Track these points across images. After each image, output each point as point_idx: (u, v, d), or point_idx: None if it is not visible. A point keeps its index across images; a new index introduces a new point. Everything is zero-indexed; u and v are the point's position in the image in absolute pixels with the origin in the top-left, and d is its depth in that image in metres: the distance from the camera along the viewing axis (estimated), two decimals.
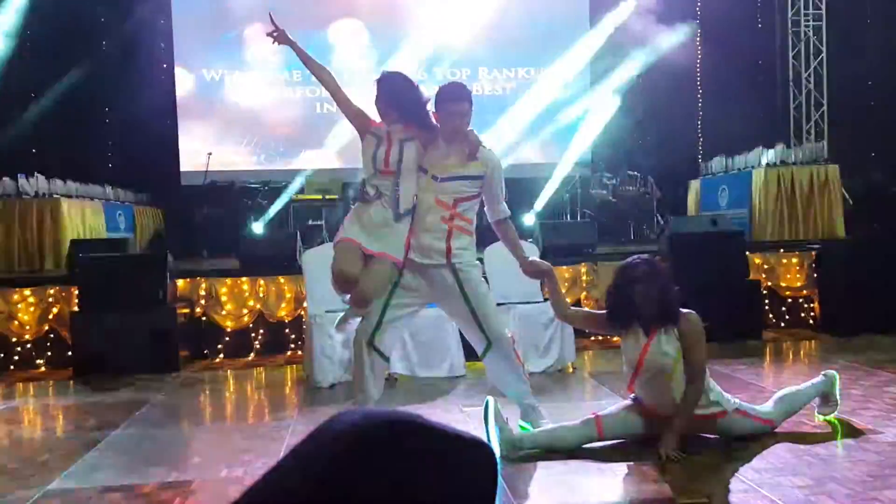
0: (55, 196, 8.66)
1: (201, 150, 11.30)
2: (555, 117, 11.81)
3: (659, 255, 6.26)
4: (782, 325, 7.54)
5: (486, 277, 4.22)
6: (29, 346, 6.82)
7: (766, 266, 7.60)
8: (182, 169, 11.74)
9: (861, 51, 11.78)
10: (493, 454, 0.99)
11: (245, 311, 7.03)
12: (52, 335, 6.86)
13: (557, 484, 3.42)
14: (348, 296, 3.94)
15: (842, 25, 11.80)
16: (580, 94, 11.96)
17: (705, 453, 3.73)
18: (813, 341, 6.99)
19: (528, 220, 9.62)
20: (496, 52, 11.85)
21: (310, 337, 5.70)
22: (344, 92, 4.05)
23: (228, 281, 7.06)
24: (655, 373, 3.73)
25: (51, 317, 6.84)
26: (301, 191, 10.32)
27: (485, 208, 4.03)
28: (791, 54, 12.00)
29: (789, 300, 7.60)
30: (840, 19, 11.78)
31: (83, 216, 8.97)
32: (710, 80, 12.31)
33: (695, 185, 10.59)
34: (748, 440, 3.79)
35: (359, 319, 3.99)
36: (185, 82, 11.84)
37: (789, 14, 11.90)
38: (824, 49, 11.78)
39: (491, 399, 3.78)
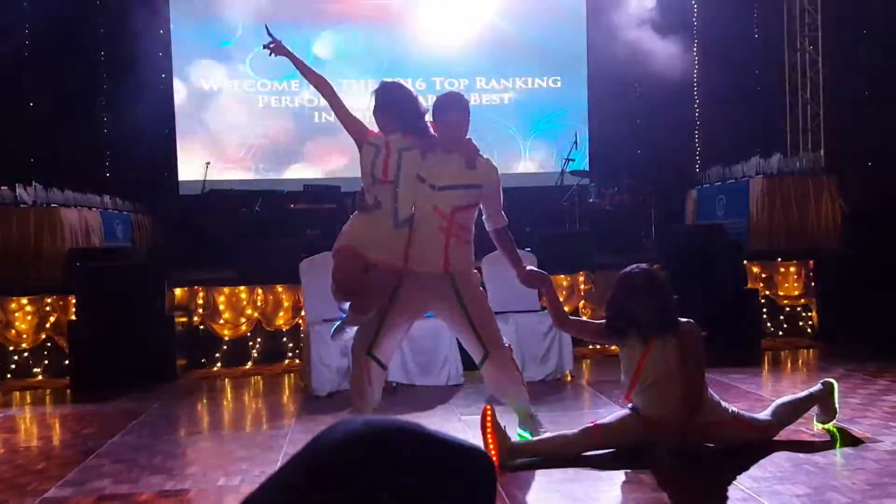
0: (53, 205, 8.64)
1: (199, 159, 11.31)
2: (552, 127, 11.84)
3: (657, 265, 6.26)
4: (780, 333, 7.55)
5: (484, 286, 4.22)
6: (26, 354, 6.82)
7: (763, 275, 7.61)
8: (180, 178, 11.73)
9: (857, 61, 11.82)
10: (491, 462, 0.99)
11: (243, 319, 7.03)
12: (49, 344, 6.85)
13: (555, 492, 3.41)
14: (347, 305, 3.94)
15: (838, 36, 11.83)
16: (578, 104, 11.99)
17: (703, 462, 3.73)
18: (811, 350, 7.00)
19: (526, 229, 9.61)
20: (494, 62, 11.88)
21: (308, 345, 5.69)
22: (342, 102, 4.06)
23: (226, 290, 7.06)
24: (653, 382, 3.73)
25: (48, 325, 6.83)
26: (299, 199, 10.32)
27: (483, 217, 4.03)
28: (788, 64, 12.04)
29: (787, 309, 7.61)
30: (836, 29, 11.81)
31: (81, 225, 8.95)
32: (708, 89, 12.33)
33: (692, 195, 10.60)
34: (746, 449, 3.78)
35: (355, 328, 3.99)
36: (183, 91, 11.85)
37: (786, 25, 11.94)
38: (820, 59, 11.82)
39: (489, 407, 3.77)
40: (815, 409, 4.17)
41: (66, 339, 6.60)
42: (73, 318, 6.59)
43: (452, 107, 3.86)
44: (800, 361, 6.67)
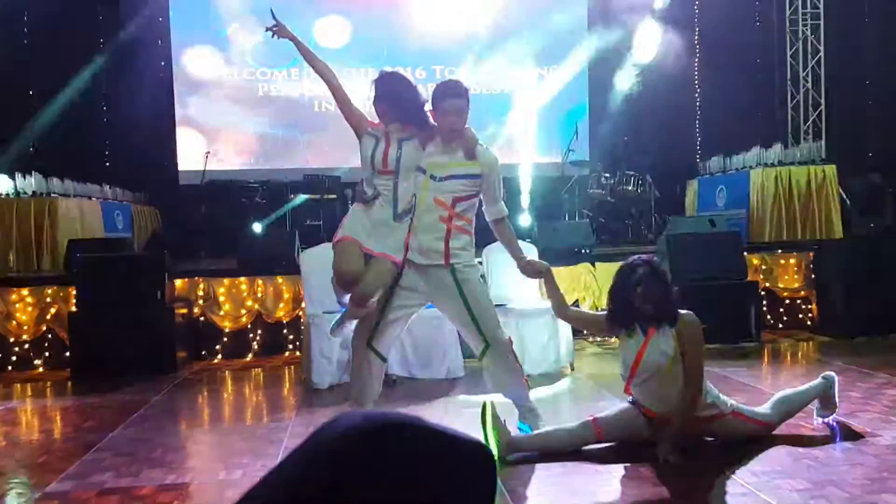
0: (53, 195, 8.64)
1: (199, 149, 11.30)
2: (553, 116, 11.81)
3: (657, 256, 6.26)
4: (780, 326, 7.54)
5: (484, 278, 4.22)
6: (27, 346, 6.81)
7: (763, 267, 7.60)
8: (180, 168, 11.73)
9: (859, 50, 11.80)
10: (491, 456, 0.99)
11: (243, 311, 7.03)
12: (49, 335, 6.84)
13: (555, 486, 3.42)
14: (346, 297, 3.94)
15: (840, 25, 11.80)
16: (578, 93, 11.97)
17: (703, 456, 3.73)
18: (811, 342, 7.00)
19: (525, 220, 9.62)
20: (494, 50, 11.84)
21: (308, 338, 5.69)
22: (344, 91, 4.04)
23: (226, 281, 7.06)
24: (653, 373, 3.73)
25: (49, 317, 6.83)
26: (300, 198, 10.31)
27: (483, 207, 4.03)
28: (789, 54, 12.00)
29: (787, 301, 7.61)
30: (838, 19, 11.78)
31: (81, 215, 8.95)
32: (708, 79, 12.30)
33: (693, 185, 10.59)
34: (746, 443, 3.78)
35: (354, 322, 3.99)
36: (182, 80, 11.83)
37: (787, 13, 11.89)
38: (822, 48, 11.78)
39: (489, 401, 3.78)
40: (815, 403, 4.17)
41: (66, 330, 6.60)
42: (74, 309, 6.59)
43: (451, 94, 3.84)
44: (799, 354, 6.67)
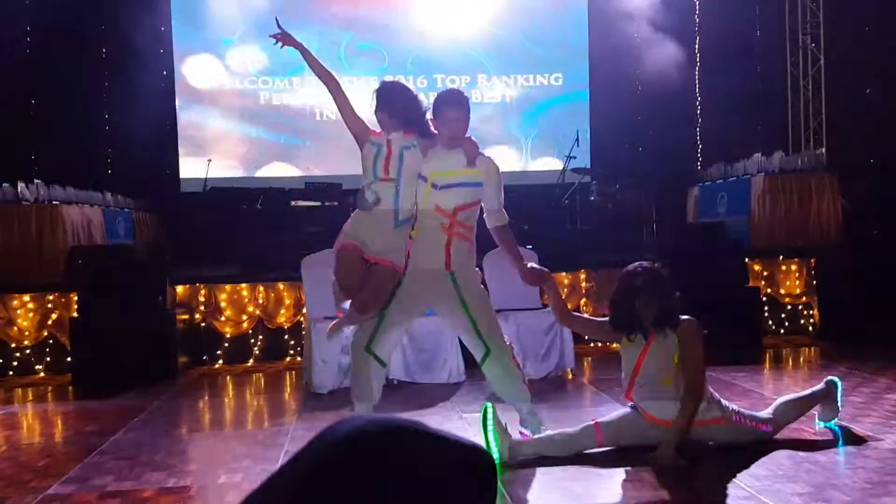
0: (55, 202, 8.64)
1: (201, 157, 11.31)
2: (553, 124, 11.83)
3: (659, 263, 6.26)
4: (782, 331, 7.54)
5: (485, 284, 4.22)
6: (28, 351, 6.82)
7: (765, 273, 7.61)
8: (182, 175, 11.74)
9: (859, 59, 11.80)
10: (492, 460, 1.00)
11: (244, 317, 7.04)
12: (51, 341, 6.86)
13: (556, 490, 3.42)
14: (347, 303, 3.94)
15: (840, 33, 11.82)
16: (579, 100, 11.99)
17: (704, 460, 3.73)
18: (812, 348, 7.00)
19: (526, 227, 9.60)
20: (495, 59, 11.87)
21: (309, 343, 5.69)
22: (347, 98, 4.05)
23: (228, 287, 7.07)
24: (653, 378, 3.74)
25: (50, 323, 6.84)
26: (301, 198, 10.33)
27: (484, 215, 4.04)
28: (790, 62, 12.03)
29: (789, 307, 7.61)
30: (838, 27, 11.80)
31: (83, 222, 8.95)
32: (709, 87, 12.31)
33: (693, 192, 10.59)
34: (747, 447, 3.78)
35: (352, 328, 4.00)
36: (184, 88, 11.85)
37: (787, 22, 11.92)
38: (822, 57, 11.80)
39: (490, 405, 3.78)
40: (817, 408, 4.17)
41: (68, 336, 6.60)
42: (75, 315, 6.60)
43: (453, 104, 3.86)
44: (801, 360, 6.67)
